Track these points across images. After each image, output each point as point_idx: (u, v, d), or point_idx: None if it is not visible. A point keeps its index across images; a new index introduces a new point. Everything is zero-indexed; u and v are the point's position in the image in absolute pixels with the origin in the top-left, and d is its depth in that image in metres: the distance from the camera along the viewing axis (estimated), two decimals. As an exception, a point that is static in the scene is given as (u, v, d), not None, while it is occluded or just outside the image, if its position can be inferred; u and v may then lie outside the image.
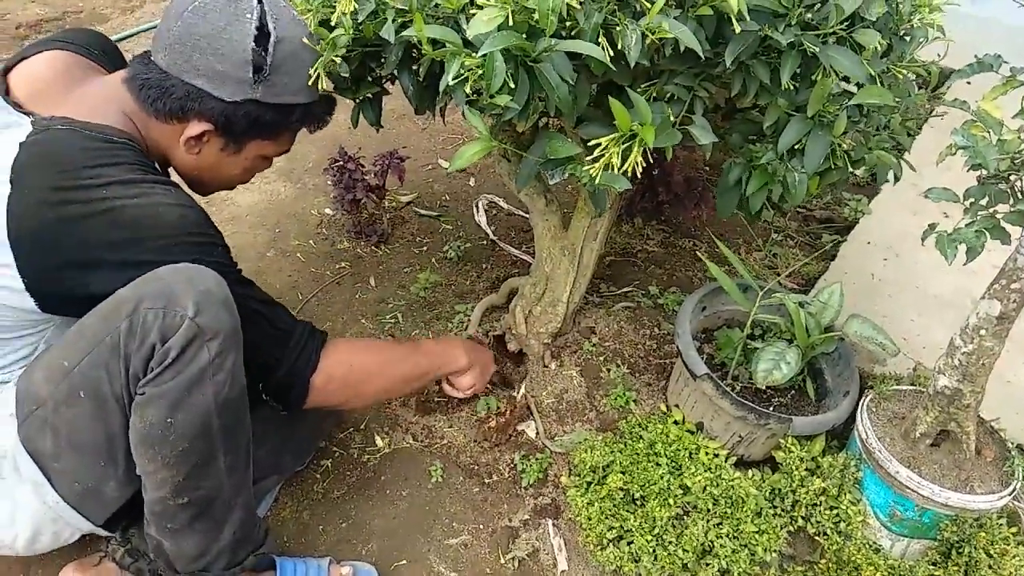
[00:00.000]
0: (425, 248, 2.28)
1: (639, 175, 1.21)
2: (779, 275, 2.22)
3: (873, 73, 1.26)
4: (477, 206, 2.46)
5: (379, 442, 1.67)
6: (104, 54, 1.35)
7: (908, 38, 1.40)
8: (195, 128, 1.22)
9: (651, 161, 1.22)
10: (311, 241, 2.29)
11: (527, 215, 2.42)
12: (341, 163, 2.17)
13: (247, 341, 1.16)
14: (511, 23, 1.08)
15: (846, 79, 1.28)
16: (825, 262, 2.25)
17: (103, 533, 1.25)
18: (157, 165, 1.26)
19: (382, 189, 2.23)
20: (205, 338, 1.04)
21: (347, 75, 1.33)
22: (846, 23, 1.22)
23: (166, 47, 1.18)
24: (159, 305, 1.02)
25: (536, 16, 1.07)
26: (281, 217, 2.38)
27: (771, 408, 1.55)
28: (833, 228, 2.49)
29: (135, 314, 1.03)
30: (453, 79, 1.13)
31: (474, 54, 1.10)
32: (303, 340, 1.29)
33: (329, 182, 2.24)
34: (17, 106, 1.15)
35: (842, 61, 1.22)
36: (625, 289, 2.10)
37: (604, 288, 2.09)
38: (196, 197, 1.39)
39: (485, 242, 2.32)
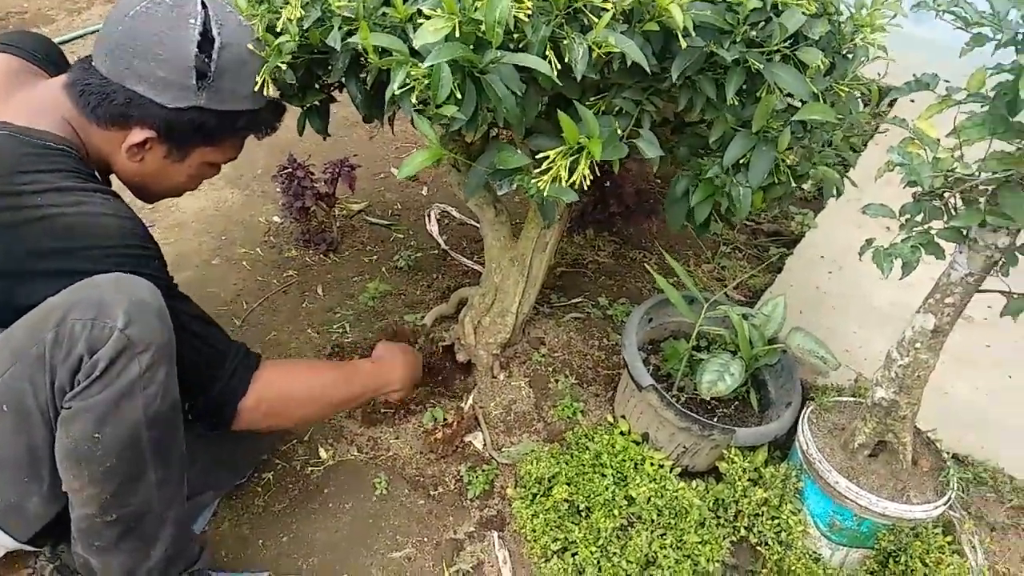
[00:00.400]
0: (375, 257, 2.26)
1: (587, 187, 1.22)
2: (726, 286, 2.25)
3: (816, 91, 1.28)
4: (429, 215, 2.45)
5: (323, 454, 1.64)
6: (47, 58, 1.31)
7: (851, 56, 1.43)
8: (137, 135, 1.19)
9: (599, 174, 1.23)
10: (258, 249, 2.25)
11: (479, 225, 2.42)
12: (290, 170, 2.13)
13: (177, 359, 1.12)
14: (458, 34, 1.08)
15: (790, 96, 1.31)
16: (772, 274, 2.29)
17: (29, 549, 1.21)
18: (98, 173, 1.22)
19: (332, 197, 2.20)
20: (136, 350, 1.01)
21: (293, 82, 1.32)
22: (789, 41, 1.24)
23: (107, 52, 1.15)
24: (88, 315, 0.99)
25: (483, 28, 1.07)
26: (228, 224, 2.34)
27: (715, 419, 1.56)
28: (780, 241, 2.53)
29: (62, 324, 0.99)
30: (399, 88, 1.13)
31: (420, 64, 1.09)
32: (236, 362, 1.25)
33: (278, 189, 2.21)
34: None
35: (786, 78, 1.24)
36: (575, 300, 2.10)
37: (554, 298, 2.10)
38: (140, 204, 1.35)
39: (436, 251, 2.31)
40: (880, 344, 1.97)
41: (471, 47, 1.10)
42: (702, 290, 2.22)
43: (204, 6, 1.17)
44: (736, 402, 1.64)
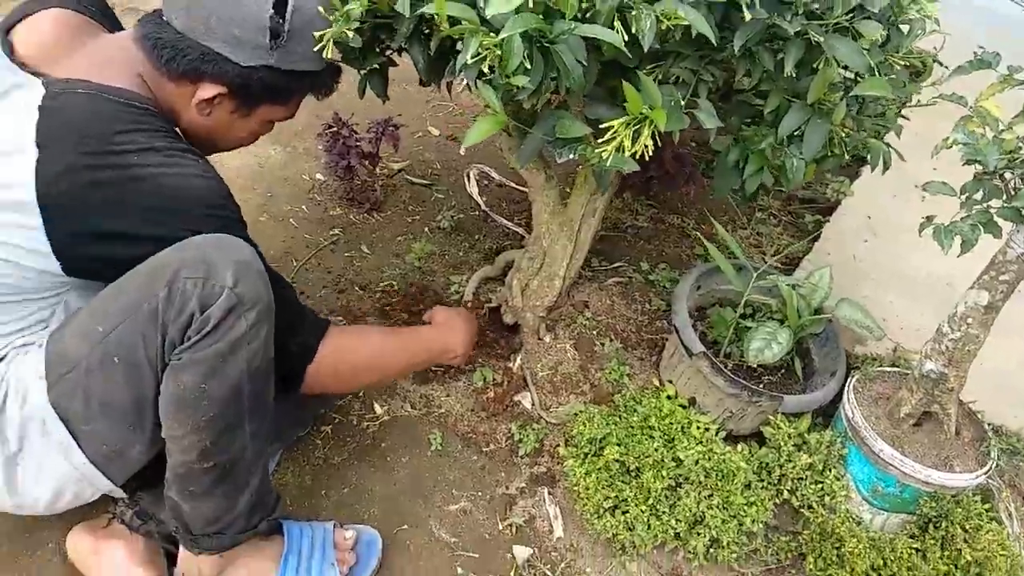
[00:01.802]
0: (418, 217, 2.29)
1: (647, 157, 1.24)
2: (764, 254, 2.28)
3: (872, 63, 1.29)
4: (468, 176, 2.46)
5: (378, 409, 1.70)
6: (102, 14, 1.33)
7: (906, 29, 1.43)
8: (208, 90, 1.21)
9: (660, 144, 1.25)
10: (303, 206, 2.29)
11: (519, 187, 2.44)
12: (335, 129, 2.16)
13: None
14: (531, 4, 1.09)
15: (845, 68, 1.32)
16: (807, 242, 2.31)
17: (119, 494, 1.27)
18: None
19: (375, 156, 2.22)
20: (244, 308, 1.07)
21: (358, 46, 1.34)
22: (849, 13, 1.24)
23: (183, 8, 1.17)
24: (198, 274, 1.04)
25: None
26: (272, 181, 2.37)
27: (760, 385, 1.61)
28: (815, 208, 2.54)
29: (174, 282, 1.04)
30: (471, 58, 1.15)
31: (491, 33, 1.11)
32: (307, 326, 1.33)
33: (320, 147, 2.23)
34: (23, 65, 1.14)
35: (844, 51, 1.25)
36: (616, 264, 2.13)
37: (596, 263, 2.13)
38: None
39: (477, 212, 2.33)
40: (916, 314, 2.00)
41: (541, 17, 1.12)
42: (740, 256, 2.26)
43: None
44: (781, 370, 1.68)
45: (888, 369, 1.58)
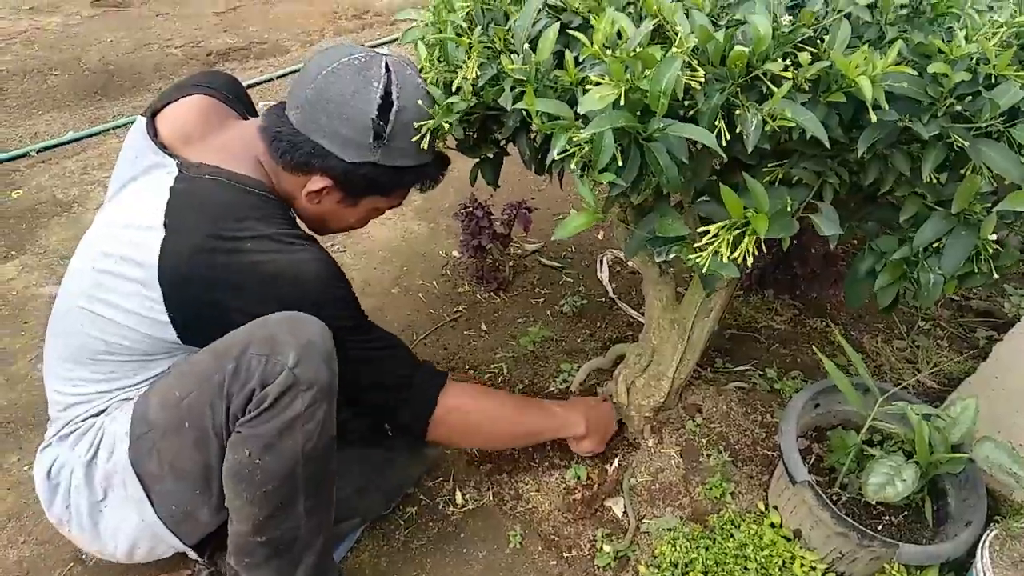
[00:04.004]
0: (543, 300, 2.28)
1: (749, 264, 1.15)
2: (918, 371, 2.04)
3: (1032, 173, 1.13)
4: (601, 261, 2.43)
5: (460, 497, 1.67)
6: (237, 99, 1.45)
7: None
8: (317, 183, 1.28)
9: (763, 249, 1.16)
10: (434, 282, 2.34)
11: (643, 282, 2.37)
12: (470, 209, 2.21)
13: (372, 382, 1.31)
14: (623, 101, 1.06)
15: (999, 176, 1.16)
16: (975, 361, 2.04)
17: (192, 555, 1.32)
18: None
19: (507, 237, 2.25)
20: (300, 388, 1.10)
21: (460, 139, 1.37)
22: (1004, 117, 1.10)
23: (298, 106, 1.25)
24: (263, 352, 1.09)
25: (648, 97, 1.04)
26: (411, 255, 2.45)
27: (880, 527, 1.41)
28: (990, 323, 2.26)
29: (242, 357, 1.10)
30: (559, 154, 1.13)
31: (583, 129, 1.09)
32: (424, 379, 1.39)
33: (459, 226, 2.29)
34: (163, 147, 1.26)
35: (995, 158, 1.11)
36: (742, 367, 1.99)
37: (719, 363, 2.00)
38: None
39: (603, 299, 2.28)
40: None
41: (637, 114, 1.08)
42: (889, 371, 2.04)
43: (388, 69, 1.24)
44: (908, 510, 1.47)
45: (1039, 527, 1.33)
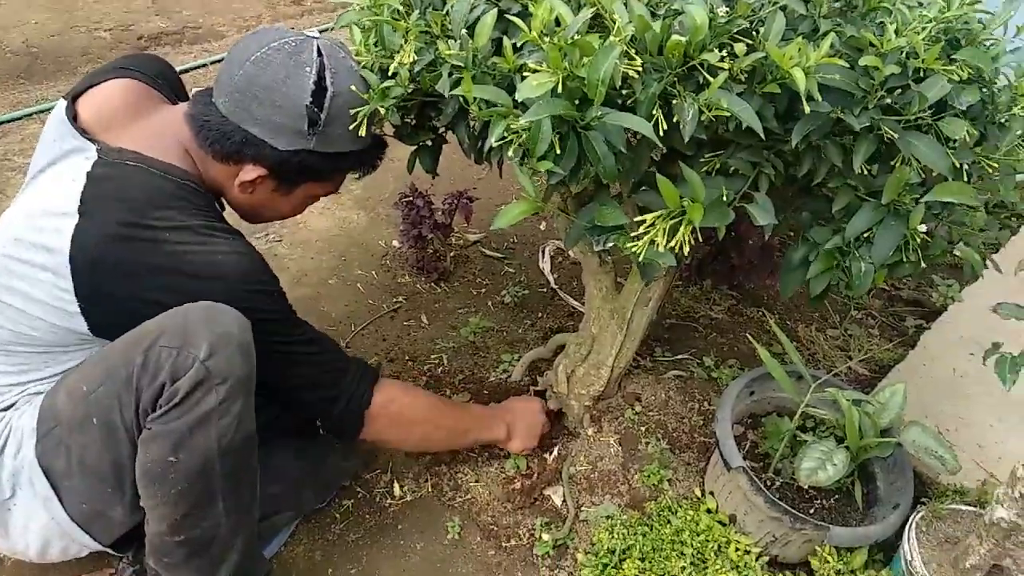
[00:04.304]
0: (484, 290, 2.26)
1: (686, 253, 1.16)
2: (850, 358, 2.09)
3: (957, 164, 1.16)
4: (543, 252, 2.43)
5: (397, 491, 1.65)
6: (167, 84, 1.39)
7: (1004, 127, 1.29)
8: (250, 173, 1.24)
9: (700, 239, 1.17)
10: (374, 272, 2.31)
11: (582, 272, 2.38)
12: (411, 199, 2.18)
13: (302, 380, 1.27)
14: (561, 89, 1.05)
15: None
16: (906, 349, 2.10)
17: (113, 553, 1.27)
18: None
19: (448, 227, 2.23)
20: (214, 382, 1.05)
21: (397, 125, 1.34)
22: (932, 109, 1.13)
23: (227, 93, 1.20)
24: (174, 344, 1.04)
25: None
26: (349, 245, 2.41)
27: (812, 511, 1.44)
28: (920, 312, 2.33)
29: (151, 350, 1.05)
30: (496, 141, 1.12)
31: (521, 117, 1.07)
32: (357, 376, 1.36)
33: (399, 216, 2.26)
34: (83, 132, 1.20)
35: (923, 150, 1.14)
36: (680, 356, 2.01)
37: (659, 352, 2.02)
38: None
39: (545, 289, 2.28)
40: (1020, 443, 1.76)
41: (576, 102, 1.08)
42: (822, 359, 2.09)
43: (320, 53, 1.20)
44: (839, 494, 1.50)
45: (962, 507, 1.37)
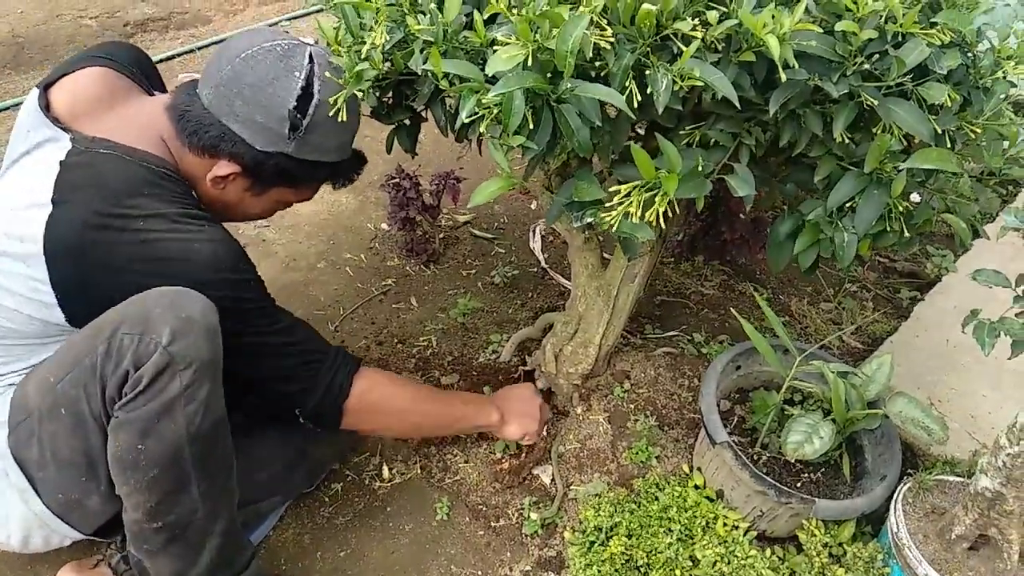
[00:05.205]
0: (474, 271, 2.25)
1: (663, 226, 1.14)
2: (842, 331, 2.07)
3: (939, 130, 1.14)
4: (533, 231, 2.41)
5: (385, 473, 1.64)
6: (142, 72, 1.37)
7: (988, 91, 1.27)
8: (224, 168, 1.23)
9: (676, 211, 1.15)
10: (363, 255, 2.30)
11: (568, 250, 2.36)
12: (397, 180, 2.16)
13: (276, 371, 1.24)
14: (531, 62, 1.03)
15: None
16: (899, 321, 2.09)
17: (98, 540, 1.27)
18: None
19: (437, 208, 2.21)
20: (178, 367, 1.04)
21: (374, 106, 1.32)
22: (912, 75, 1.11)
23: (212, 86, 1.19)
24: (136, 330, 1.03)
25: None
26: (338, 229, 2.40)
27: (799, 484, 1.43)
28: (915, 284, 2.31)
29: (113, 337, 1.04)
30: (467, 117, 1.10)
31: (492, 90, 1.06)
32: (336, 365, 1.32)
33: (387, 198, 2.24)
34: (56, 121, 1.18)
35: (904, 116, 1.11)
36: (671, 333, 2.00)
37: (649, 329, 2.00)
38: None
39: (535, 269, 2.27)
40: (1012, 412, 1.74)
41: (548, 75, 1.06)
42: (814, 333, 2.07)
43: (311, 60, 1.19)
44: (826, 467, 1.49)
45: (949, 478, 1.36)
